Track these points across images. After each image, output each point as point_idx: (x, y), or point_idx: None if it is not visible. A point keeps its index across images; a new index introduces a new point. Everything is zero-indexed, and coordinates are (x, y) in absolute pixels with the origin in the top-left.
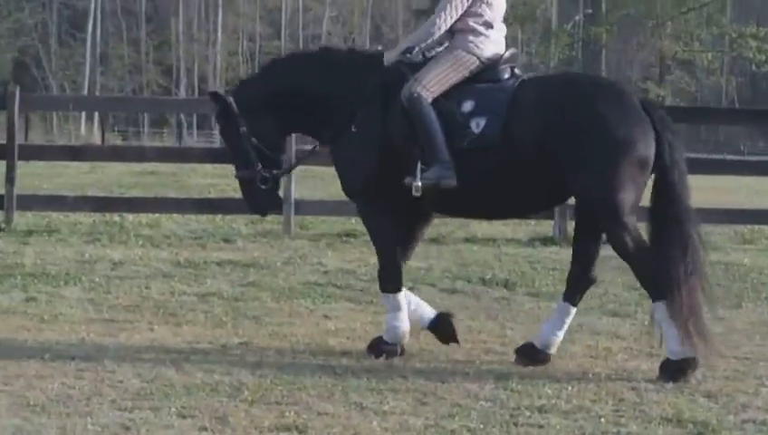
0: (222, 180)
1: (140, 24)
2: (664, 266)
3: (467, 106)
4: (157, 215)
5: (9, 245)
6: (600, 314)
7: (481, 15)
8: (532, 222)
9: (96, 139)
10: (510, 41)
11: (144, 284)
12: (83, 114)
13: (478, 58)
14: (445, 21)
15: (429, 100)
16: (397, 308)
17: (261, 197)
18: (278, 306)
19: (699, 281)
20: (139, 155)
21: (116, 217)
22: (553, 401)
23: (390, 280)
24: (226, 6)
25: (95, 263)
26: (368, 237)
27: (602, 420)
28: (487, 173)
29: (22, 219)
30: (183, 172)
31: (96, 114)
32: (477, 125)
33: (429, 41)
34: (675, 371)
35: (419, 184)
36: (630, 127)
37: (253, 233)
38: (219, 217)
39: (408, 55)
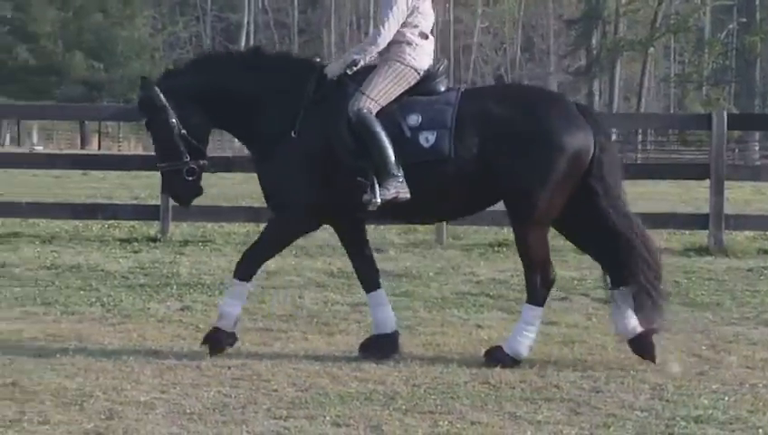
0: None
1: (293, 37)
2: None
3: (414, 120)
4: None
5: (165, 255)
6: (756, 324)
7: (417, 26)
8: (687, 232)
9: None
10: (663, 50)
11: (298, 293)
12: None
13: (416, 70)
14: (389, 31)
15: (375, 114)
16: (239, 297)
17: (186, 188)
18: (430, 316)
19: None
20: None
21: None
22: (710, 412)
23: (250, 269)
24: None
25: None
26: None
27: (760, 431)
28: (435, 184)
29: (177, 230)
30: None
31: None
32: (427, 140)
33: (375, 53)
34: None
35: (379, 200)
36: (573, 134)
37: (405, 243)
38: (372, 227)
39: (355, 68)
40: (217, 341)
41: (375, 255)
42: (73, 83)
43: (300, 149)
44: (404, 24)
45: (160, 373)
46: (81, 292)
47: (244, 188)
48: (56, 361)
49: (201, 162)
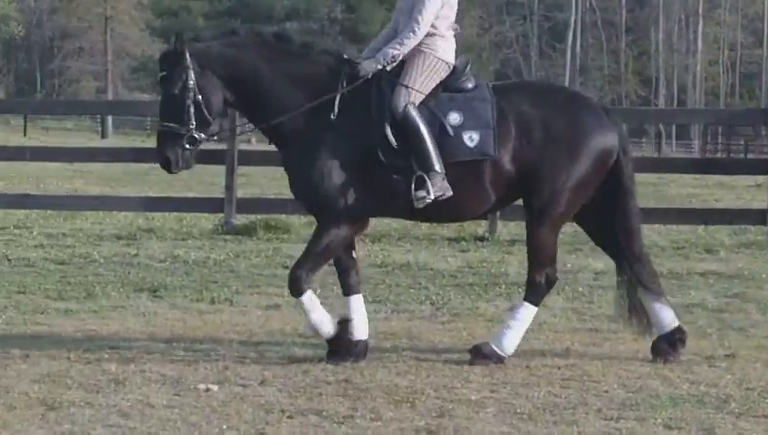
0: (704, 190)
1: (620, 36)
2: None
3: (455, 118)
4: None
5: (493, 254)
6: None
7: (447, 18)
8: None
9: None
10: None
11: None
12: None
13: (447, 63)
14: (426, 22)
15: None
16: (314, 308)
17: (179, 155)
18: (764, 318)
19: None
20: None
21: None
22: None
23: (302, 284)
24: (707, 16)
25: (577, 272)
26: None
27: None
28: (475, 183)
29: (505, 229)
30: (662, 182)
31: None
32: (471, 139)
33: (412, 46)
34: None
35: (432, 197)
36: (605, 134)
37: (736, 244)
38: (701, 227)
39: (394, 64)
40: (337, 350)
41: (705, 255)
42: None
43: (336, 146)
44: (436, 17)
45: (490, 372)
46: (411, 290)
47: None
48: (387, 358)
49: (203, 135)
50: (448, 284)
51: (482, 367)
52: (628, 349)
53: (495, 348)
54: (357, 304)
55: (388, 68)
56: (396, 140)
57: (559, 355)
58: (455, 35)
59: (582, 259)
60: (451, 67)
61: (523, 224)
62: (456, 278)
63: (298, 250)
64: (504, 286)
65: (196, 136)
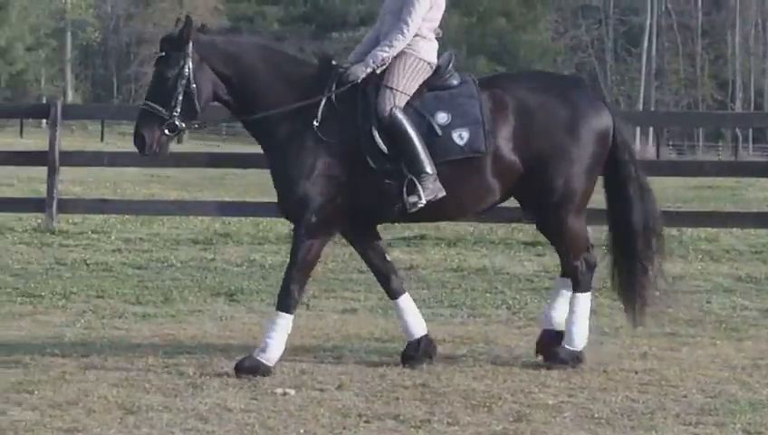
0: None
1: (696, 39)
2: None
3: (443, 118)
4: (715, 229)
5: None
6: None
7: (431, 21)
8: None
9: (651, 153)
10: None
11: (705, 298)
12: (638, 129)
13: (429, 64)
14: (415, 24)
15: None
16: (284, 330)
17: (155, 138)
18: None
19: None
20: (697, 169)
21: (674, 232)
22: None
23: (292, 300)
24: None
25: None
26: None
27: None
28: (468, 181)
29: None
30: (740, 186)
31: (651, 129)
32: (461, 137)
33: (401, 48)
34: None
35: (424, 201)
36: (601, 116)
37: None
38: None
39: (383, 67)
40: (251, 370)
41: None
42: None
43: (320, 150)
44: (423, 19)
45: (567, 377)
46: (487, 294)
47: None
48: (464, 363)
49: (184, 125)
50: (524, 288)
51: (559, 371)
52: (706, 353)
53: (570, 348)
54: (406, 304)
55: (378, 71)
56: (384, 144)
57: (636, 360)
58: (437, 38)
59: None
60: (434, 67)
61: (603, 228)
62: (533, 283)
63: None
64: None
65: (177, 124)
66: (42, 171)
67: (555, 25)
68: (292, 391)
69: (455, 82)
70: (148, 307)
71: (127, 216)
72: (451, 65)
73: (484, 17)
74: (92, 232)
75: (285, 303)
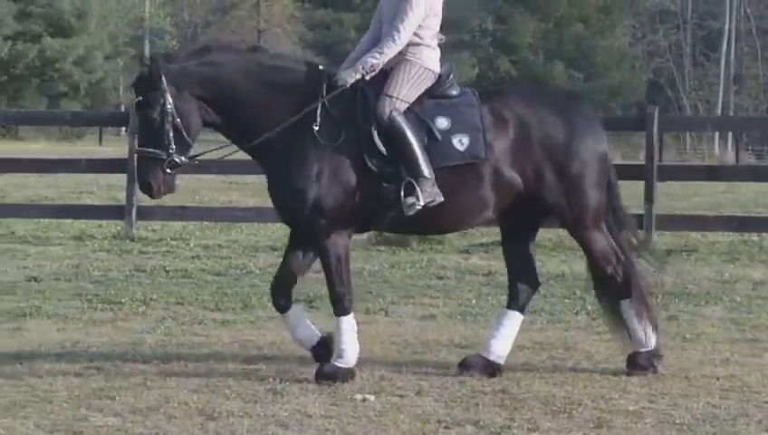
0: None
1: None
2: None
3: (443, 123)
4: None
5: (648, 264)
6: None
7: (431, 28)
8: None
9: (730, 158)
10: None
11: None
12: (716, 134)
13: (433, 72)
14: (407, 32)
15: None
16: (352, 330)
17: (161, 181)
18: None
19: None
20: None
21: (754, 237)
22: None
23: (346, 300)
24: None
25: (735, 283)
26: None
27: None
28: (466, 187)
29: (660, 238)
30: None
31: (730, 134)
32: (461, 142)
33: (392, 55)
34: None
35: (422, 203)
36: (600, 134)
37: None
38: None
39: (373, 73)
40: (331, 376)
41: None
42: None
43: (322, 154)
44: (420, 26)
45: (648, 383)
46: (566, 300)
47: (726, 196)
48: (544, 369)
49: (184, 158)
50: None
51: (639, 377)
52: None
53: (642, 350)
54: (298, 315)
55: (368, 77)
56: (383, 147)
57: (718, 366)
58: (439, 44)
59: (740, 269)
60: (436, 76)
61: (681, 233)
62: None
63: (452, 261)
64: (660, 296)
65: (177, 160)
66: (121, 179)
67: (633, 30)
68: (372, 397)
69: (455, 92)
70: (228, 314)
71: (206, 223)
72: (452, 76)
73: (561, 23)
74: (171, 239)
75: (341, 307)
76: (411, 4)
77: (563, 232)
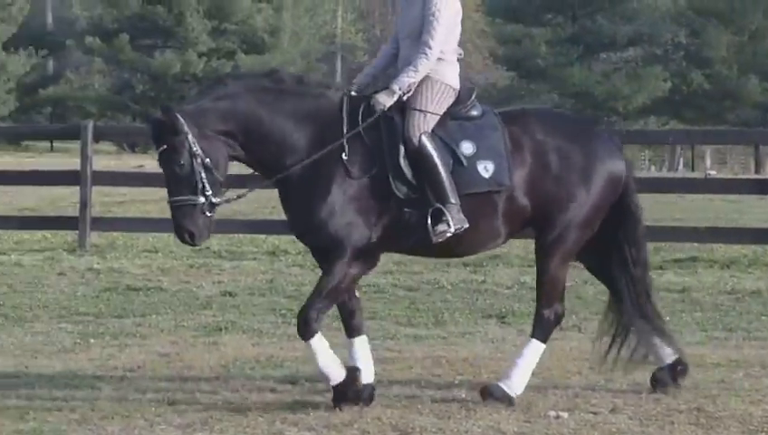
0: None
1: None
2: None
3: (468, 148)
4: None
5: None
6: None
7: (451, 43)
8: None
9: None
10: None
11: None
12: None
13: (454, 90)
14: (438, 47)
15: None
16: (327, 354)
17: (203, 226)
18: None
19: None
20: None
21: None
22: None
23: (311, 327)
24: None
25: None
26: None
27: None
28: (488, 215)
29: None
30: None
31: None
32: (486, 169)
33: (426, 72)
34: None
35: (453, 230)
36: (616, 163)
37: None
38: None
39: (409, 94)
40: (343, 397)
41: None
42: (748, 107)
43: (349, 185)
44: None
45: None
46: (763, 317)
47: None
48: (740, 387)
49: (220, 198)
50: None
51: None
52: None
53: (505, 389)
54: (362, 346)
55: (405, 98)
56: (410, 172)
57: None
58: (458, 59)
59: None
60: (457, 93)
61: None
62: None
63: None
64: None
65: (214, 201)
66: None
67: None
68: (566, 414)
69: (476, 113)
70: (420, 329)
71: None
72: (474, 95)
73: (756, 36)
74: None
75: (303, 330)
76: (437, 18)
77: (758, 248)
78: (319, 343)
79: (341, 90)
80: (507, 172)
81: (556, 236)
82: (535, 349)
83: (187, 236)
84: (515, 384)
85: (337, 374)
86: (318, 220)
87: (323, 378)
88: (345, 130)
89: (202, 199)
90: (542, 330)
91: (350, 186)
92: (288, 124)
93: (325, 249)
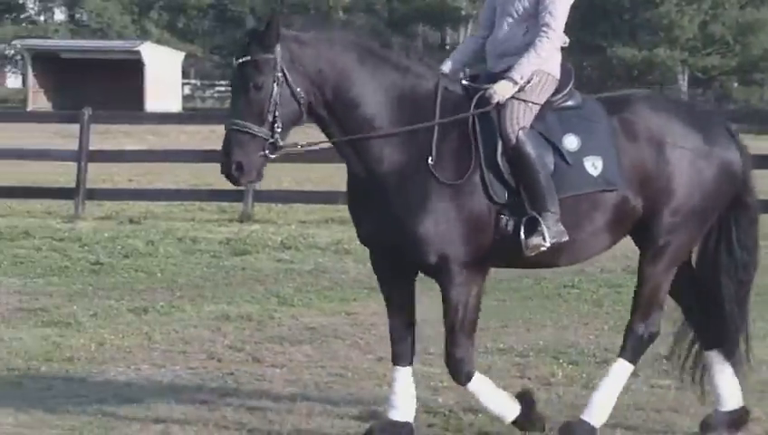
0: None
1: None
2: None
3: (572, 143)
4: None
5: None
6: None
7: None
8: None
9: None
10: None
11: None
12: None
13: (555, 79)
14: (560, 26)
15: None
16: (492, 392)
17: (255, 164)
18: None
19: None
20: None
21: None
22: None
23: (467, 367)
24: None
25: None
26: None
27: None
28: (590, 223)
29: None
30: None
31: None
32: (594, 166)
33: (548, 57)
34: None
35: (548, 244)
36: (736, 153)
37: None
38: None
39: (531, 83)
40: (529, 426)
41: None
42: None
43: (440, 184)
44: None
45: None
46: None
47: None
48: None
49: (282, 143)
50: None
51: None
52: None
53: (590, 422)
54: (406, 378)
55: (527, 87)
56: (507, 173)
57: None
58: (563, 47)
59: None
60: (557, 83)
61: None
62: None
63: None
64: None
65: (279, 143)
66: None
67: None
68: None
69: (576, 102)
70: None
71: None
72: (572, 82)
73: None
74: None
75: (463, 375)
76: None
77: None
78: (480, 383)
79: (438, 76)
80: (618, 169)
81: (665, 236)
82: (622, 371)
83: (234, 169)
84: (597, 415)
85: (510, 409)
86: (418, 234)
87: (499, 417)
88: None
89: (267, 134)
90: (633, 349)
91: (445, 187)
92: (381, 102)
93: (434, 270)
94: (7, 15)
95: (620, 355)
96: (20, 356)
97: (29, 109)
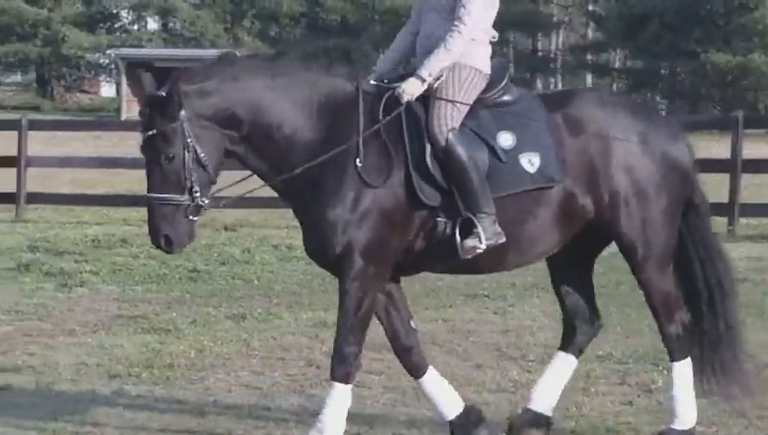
0: None
1: None
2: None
3: (506, 140)
4: None
5: None
6: None
7: (485, 21)
8: None
9: None
10: None
11: None
12: None
13: (485, 75)
14: (473, 21)
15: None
16: (344, 401)
17: (184, 231)
18: None
19: None
20: None
21: None
22: None
23: (346, 365)
24: None
25: None
26: None
27: None
28: (531, 222)
29: None
30: None
31: None
32: (531, 163)
33: (460, 53)
34: None
35: (484, 246)
36: (687, 153)
37: None
38: None
39: (440, 80)
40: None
41: None
42: None
43: (365, 193)
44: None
45: None
46: None
47: None
48: None
49: (207, 200)
50: None
51: None
52: None
53: (680, 428)
54: (433, 382)
55: (435, 85)
56: (438, 174)
57: None
58: (491, 42)
59: None
60: (488, 78)
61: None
62: None
63: None
64: None
65: (201, 204)
66: None
67: None
68: None
69: (511, 97)
70: None
71: None
72: (507, 77)
73: None
74: None
75: (339, 370)
76: None
77: None
78: (340, 391)
79: (356, 79)
80: (557, 164)
81: (640, 241)
82: (683, 370)
83: (162, 242)
84: (686, 418)
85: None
86: (325, 233)
87: (319, 429)
88: (361, 129)
89: (188, 201)
90: (677, 349)
91: (366, 194)
92: (298, 116)
93: (338, 268)
94: (101, 25)
95: (672, 360)
96: (121, 363)
97: (123, 117)
